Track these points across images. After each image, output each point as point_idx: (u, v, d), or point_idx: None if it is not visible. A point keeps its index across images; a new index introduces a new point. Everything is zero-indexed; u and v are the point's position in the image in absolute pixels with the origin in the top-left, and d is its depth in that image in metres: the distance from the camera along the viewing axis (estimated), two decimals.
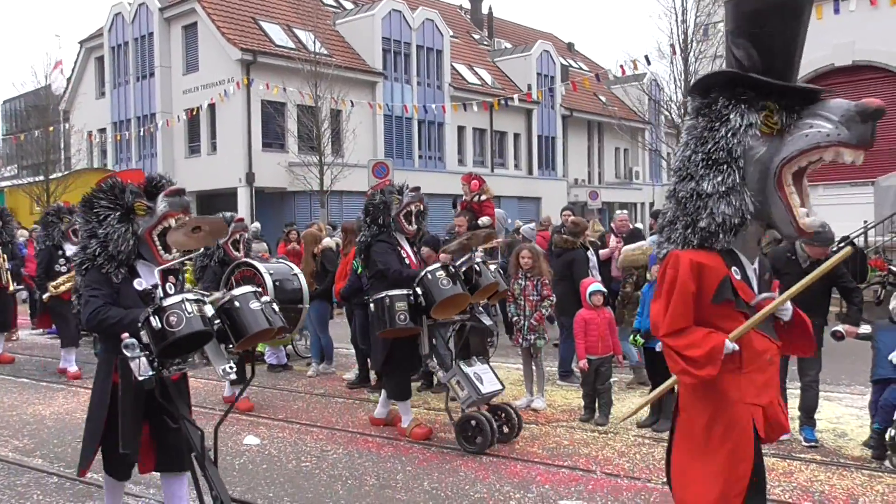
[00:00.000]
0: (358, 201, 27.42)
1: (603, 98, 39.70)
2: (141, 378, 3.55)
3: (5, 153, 32.85)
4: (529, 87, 34.57)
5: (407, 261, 6.48)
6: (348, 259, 8.76)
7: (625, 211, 12.61)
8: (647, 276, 7.07)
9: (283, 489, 5.34)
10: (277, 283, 6.85)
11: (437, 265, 6.13)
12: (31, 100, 31.33)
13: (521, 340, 7.45)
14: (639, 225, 11.62)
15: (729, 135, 2.92)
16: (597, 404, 6.93)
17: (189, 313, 3.61)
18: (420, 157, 31.77)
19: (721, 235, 2.98)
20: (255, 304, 3.93)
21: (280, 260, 8.96)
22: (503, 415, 6.34)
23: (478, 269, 6.30)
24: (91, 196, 4.07)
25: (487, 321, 6.60)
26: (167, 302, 3.65)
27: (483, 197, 8.90)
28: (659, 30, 23.31)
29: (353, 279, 8.33)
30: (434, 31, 32.30)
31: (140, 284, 4.01)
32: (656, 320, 3.13)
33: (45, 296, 9.60)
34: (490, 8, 42.13)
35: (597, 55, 69.24)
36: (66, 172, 26.15)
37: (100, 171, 28.99)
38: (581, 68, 42.35)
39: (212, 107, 26.92)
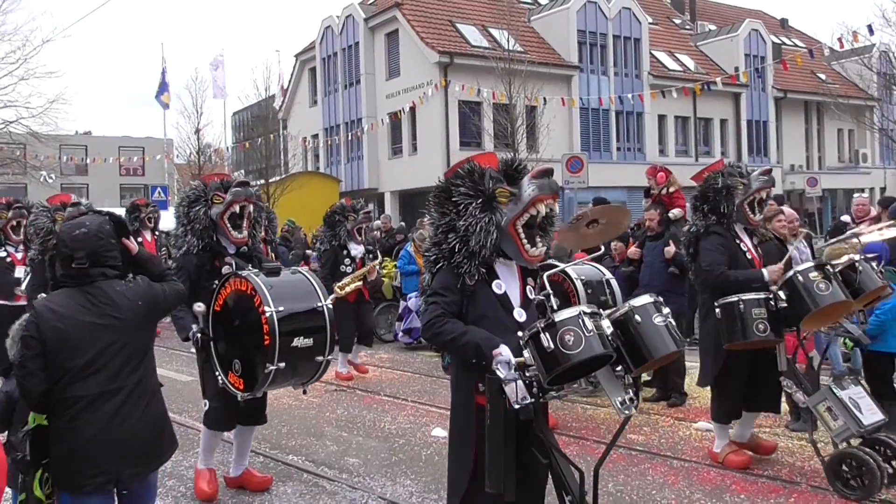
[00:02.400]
0: None
1: (822, 75, 36.37)
2: (518, 406, 3.01)
3: (234, 160, 36.29)
4: (736, 70, 32.50)
5: (749, 255, 5.43)
6: None
7: (864, 194, 11.18)
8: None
9: None
10: (589, 292, 6.08)
11: (810, 264, 5.06)
12: (255, 111, 34.39)
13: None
14: (845, 217, 10.42)
15: None
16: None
17: (588, 331, 3.05)
18: (618, 148, 30.96)
19: None
20: (658, 319, 3.30)
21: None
22: (886, 451, 4.86)
23: (860, 267, 5.07)
24: (448, 183, 3.49)
25: (856, 330, 5.33)
26: (561, 316, 3.07)
27: (671, 188, 8.44)
28: None
29: None
30: (631, 20, 31.30)
31: (499, 287, 3.42)
32: None
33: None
34: None
35: (815, 30, 63.64)
36: (283, 176, 28.40)
37: (313, 174, 31.28)
38: (796, 45, 39.03)
39: (412, 109, 27.97)
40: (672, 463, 5.64)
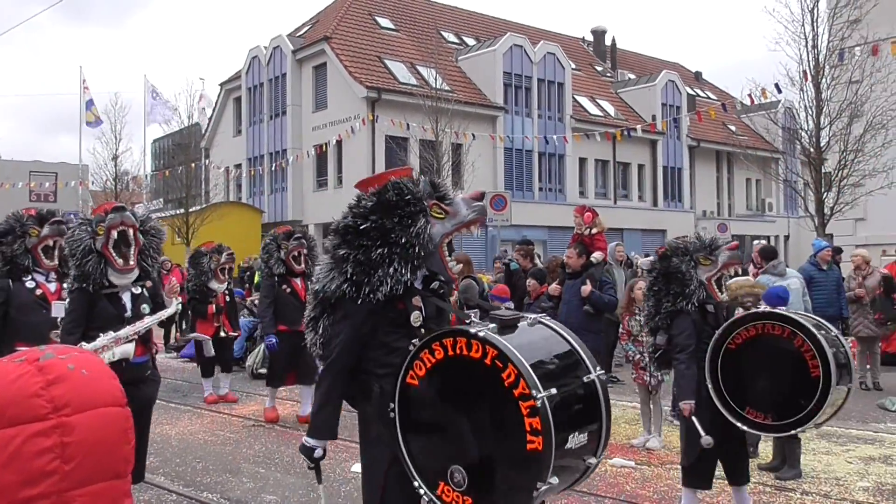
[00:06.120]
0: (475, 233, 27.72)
1: (733, 127, 38.32)
2: None
3: (153, 188, 35.39)
4: (654, 118, 33.92)
5: None
6: None
7: (762, 241, 10.91)
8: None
9: None
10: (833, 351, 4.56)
11: None
12: (176, 138, 33.72)
13: (646, 377, 7.18)
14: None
15: None
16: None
17: None
18: (540, 189, 31.70)
19: None
20: None
21: None
22: None
23: None
24: None
25: None
26: None
27: (594, 230, 8.67)
28: (788, 56, 22.42)
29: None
30: (556, 65, 32.31)
31: None
32: None
33: None
34: (613, 39, 41.74)
35: (726, 83, 67.02)
36: (204, 206, 27.83)
37: (234, 204, 30.77)
38: (708, 97, 41.09)
39: (339, 143, 27.98)
40: (588, 499, 5.74)
